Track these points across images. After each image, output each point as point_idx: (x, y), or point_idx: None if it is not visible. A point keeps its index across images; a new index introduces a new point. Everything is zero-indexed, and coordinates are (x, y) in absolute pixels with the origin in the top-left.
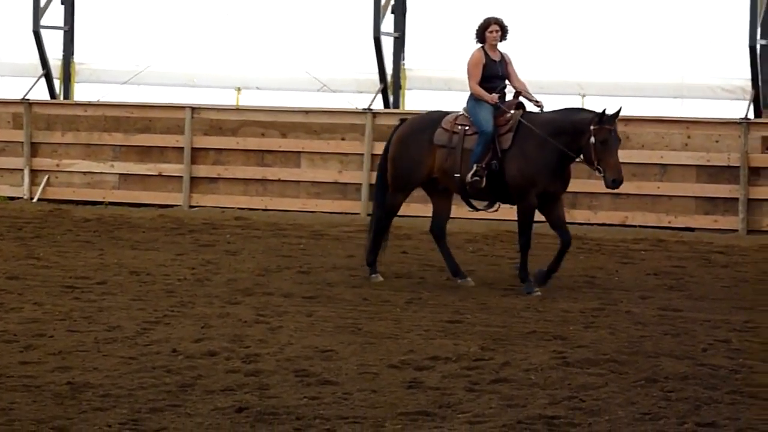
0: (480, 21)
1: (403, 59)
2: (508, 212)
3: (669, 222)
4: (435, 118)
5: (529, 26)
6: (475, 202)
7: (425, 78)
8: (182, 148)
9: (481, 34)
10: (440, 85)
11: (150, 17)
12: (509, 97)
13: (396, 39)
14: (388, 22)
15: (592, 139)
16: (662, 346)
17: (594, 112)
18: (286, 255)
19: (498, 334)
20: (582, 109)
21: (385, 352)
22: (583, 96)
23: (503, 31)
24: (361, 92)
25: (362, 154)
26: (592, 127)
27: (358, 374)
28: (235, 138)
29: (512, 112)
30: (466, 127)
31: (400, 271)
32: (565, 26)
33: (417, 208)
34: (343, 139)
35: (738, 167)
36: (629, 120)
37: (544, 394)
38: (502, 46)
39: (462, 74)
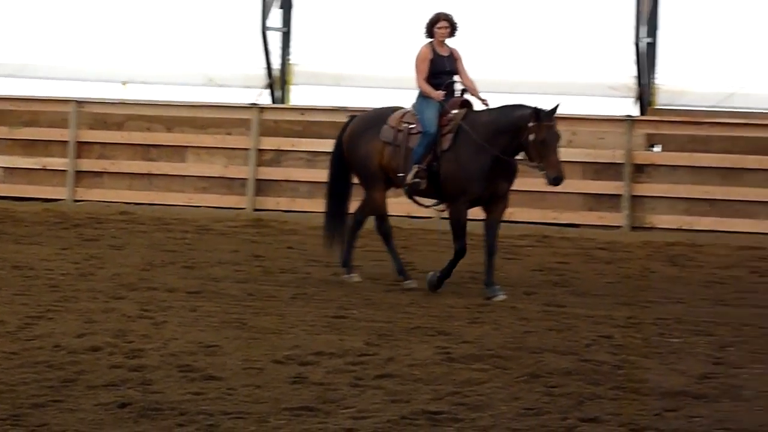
0: (429, 16)
1: (290, 54)
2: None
3: (554, 218)
4: (383, 113)
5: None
6: (421, 200)
7: (312, 73)
8: (67, 141)
9: (430, 29)
10: (327, 80)
11: (36, 11)
12: (458, 94)
13: (283, 34)
14: (275, 17)
15: (531, 137)
16: (546, 341)
17: (531, 108)
18: (171, 250)
19: (383, 330)
20: (521, 106)
21: (269, 348)
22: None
23: (452, 27)
24: (248, 87)
25: (248, 149)
26: (530, 125)
27: (242, 369)
28: (120, 132)
29: (455, 111)
30: (411, 126)
31: (285, 266)
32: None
33: (303, 203)
34: (229, 133)
35: (622, 164)
36: None
37: (428, 390)
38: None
39: (349, 70)
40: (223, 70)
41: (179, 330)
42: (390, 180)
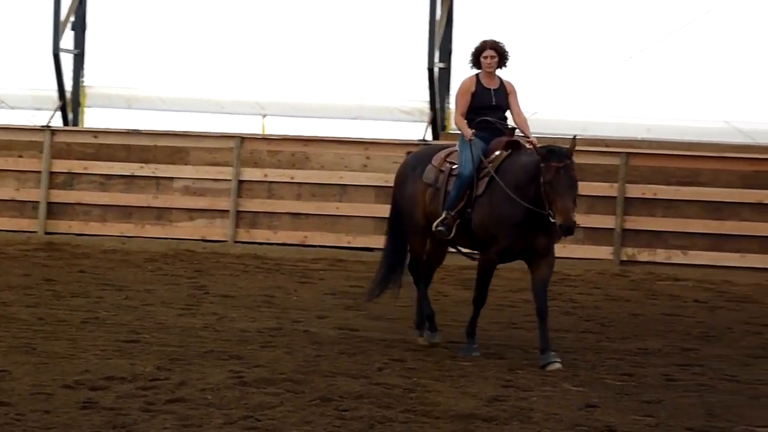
0: (475, 45)
1: (83, 76)
2: (186, 231)
3: (348, 242)
4: (429, 153)
5: (208, 44)
6: (465, 249)
7: (105, 95)
8: None
9: (476, 59)
10: (121, 103)
11: None
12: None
13: (76, 56)
14: (67, 39)
15: (542, 179)
16: (338, 365)
17: (553, 147)
18: None
19: (175, 354)
20: (550, 148)
21: (59, 372)
22: (264, 116)
23: (501, 57)
24: (40, 109)
25: (40, 172)
26: (541, 165)
27: (31, 395)
28: None
29: (497, 153)
30: (454, 166)
31: (76, 290)
32: (245, 46)
33: (95, 226)
34: (20, 156)
35: None
36: (309, 140)
37: (220, 414)
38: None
39: (142, 92)
40: (14, 91)
41: None
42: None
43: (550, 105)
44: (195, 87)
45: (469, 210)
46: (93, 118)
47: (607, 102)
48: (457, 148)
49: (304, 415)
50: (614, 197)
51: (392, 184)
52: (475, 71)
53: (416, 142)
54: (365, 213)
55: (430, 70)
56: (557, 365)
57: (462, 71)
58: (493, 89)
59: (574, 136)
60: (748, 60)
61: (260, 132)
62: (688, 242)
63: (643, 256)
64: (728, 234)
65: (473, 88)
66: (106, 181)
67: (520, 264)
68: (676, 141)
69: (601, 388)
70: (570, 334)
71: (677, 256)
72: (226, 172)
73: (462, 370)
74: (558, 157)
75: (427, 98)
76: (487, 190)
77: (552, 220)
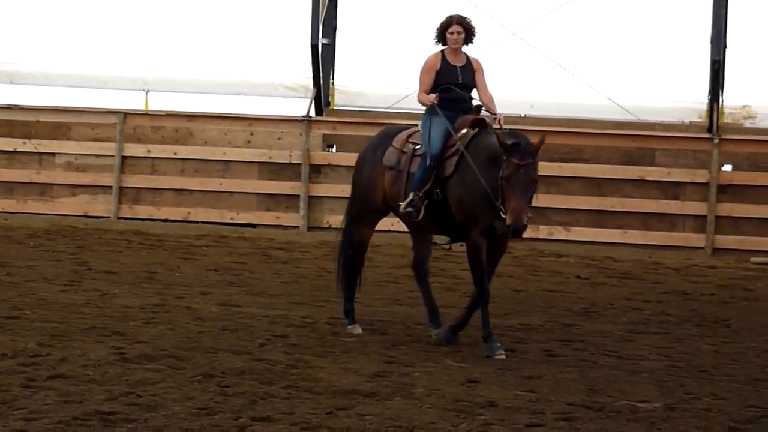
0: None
1: None
2: (68, 206)
3: (231, 218)
4: (390, 133)
5: (91, 19)
6: (436, 237)
7: None
8: None
9: (441, 34)
10: (2, 78)
11: None
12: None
13: None
14: None
15: (501, 173)
16: (221, 341)
17: (511, 137)
18: None
19: (56, 330)
20: (517, 135)
21: None
22: (147, 92)
23: (467, 33)
24: None
25: None
26: (503, 157)
27: None
28: None
29: (464, 131)
30: (417, 146)
31: None
32: (128, 21)
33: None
34: None
35: (300, 164)
36: (193, 116)
37: (102, 390)
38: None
39: (25, 66)
40: None
41: None
42: (391, 210)
43: None
44: (78, 62)
45: (437, 191)
46: None
47: (491, 79)
48: (419, 128)
49: (186, 391)
50: None
51: (276, 161)
52: (441, 47)
53: (300, 118)
54: (249, 189)
55: (314, 46)
56: (501, 355)
57: (345, 48)
58: (459, 66)
59: (544, 133)
60: (629, 38)
61: (143, 108)
62: (570, 218)
63: (526, 232)
64: (610, 210)
65: (438, 65)
66: None
67: (403, 239)
68: (559, 118)
69: (482, 364)
70: (453, 310)
71: (560, 233)
72: (108, 148)
73: (344, 346)
74: (520, 154)
75: (311, 74)
76: (458, 169)
77: (503, 216)
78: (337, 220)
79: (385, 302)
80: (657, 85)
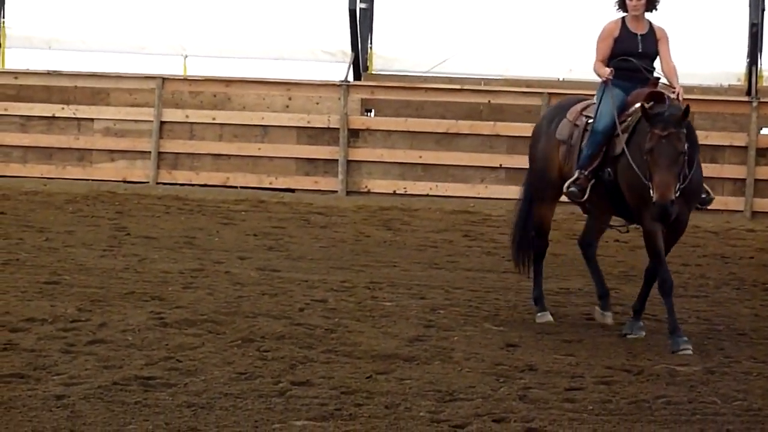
0: None
1: (3, 17)
2: (107, 172)
3: (270, 183)
4: (566, 105)
5: None
6: (614, 221)
7: (25, 37)
8: None
9: (621, 1)
10: (41, 44)
11: None
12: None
13: None
14: None
15: (645, 146)
16: (260, 306)
17: (667, 108)
18: None
19: (96, 296)
20: (672, 105)
21: None
22: (186, 57)
23: None
24: None
25: None
26: (648, 129)
27: None
28: None
29: (636, 105)
30: (590, 120)
31: None
32: None
33: (16, 168)
34: None
35: (338, 129)
36: (231, 81)
37: (141, 355)
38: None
39: (62, 34)
40: None
41: None
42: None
43: (470, 45)
44: (116, 28)
45: (608, 170)
46: (13, 59)
47: (528, 41)
48: (595, 100)
49: (226, 356)
50: None
51: (314, 125)
52: (622, 14)
53: (338, 83)
54: (287, 154)
55: (352, 11)
56: (688, 351)
57: (383, 12)
58: (641, 34)
59: (678, 96)
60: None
61: (182, 73)
62: None
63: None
64: None
65: (617, 33)
66: (26, 123)
67: (441, 203)
68: (595, 81)
69: (521, 328)
70: (491, 274)
71: None
72: (147, 113)
73: (383, 311)
74: (663, 124)
75: (349, 39)
76: (629, 149)
77: (651, 195)
78: (375, 184)
79: (423, 266)
80: (696, 48)
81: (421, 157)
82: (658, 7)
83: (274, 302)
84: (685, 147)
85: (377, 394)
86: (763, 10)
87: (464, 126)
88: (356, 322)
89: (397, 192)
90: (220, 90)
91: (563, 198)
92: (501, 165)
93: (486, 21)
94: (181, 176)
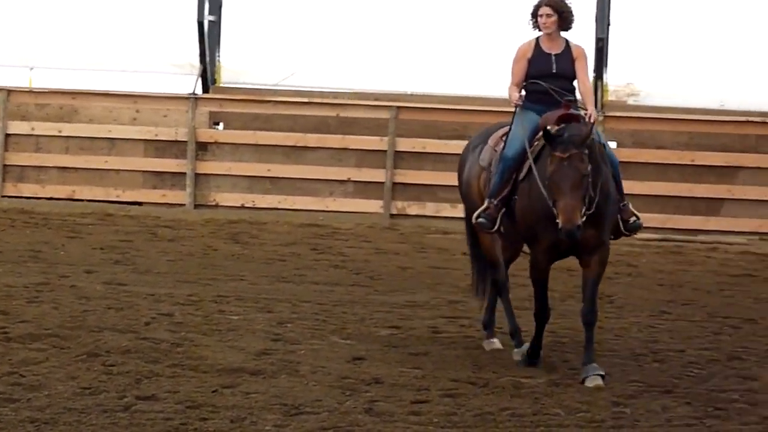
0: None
1: None
2: None
3: (117, 196)
4: (491, 130)
5: None
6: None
7: None
8: None
9: (534, 19)
10: None
11: None
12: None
13: None
14: None
15: (546, 170)
16: (105, 320)
17: (568, 129)
18: None
19: None
20: (560, 131)
21: None
22: (31, 69)
23: (561, 15)
24: None
25: None
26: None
27: None
28: None
29: (546, 128)
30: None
31: None
32: None
33: None
34: None
35: (186, 142)
36: (77, 93)
37: None
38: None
39: None
40: None
41: None
42: None
43: (319, 58)
44: None
45: (515, 197)
46: None
47: (377, 55)
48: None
49: (70, 370)
50: (384, 151)
51: (162, 138)
52: (537, 34)
53: (186, 96)
54: (134, 167)
55: (200, 23)
56: (598, 381)
57: (231, 25)
58: (555, 54)
59: (590, 118)
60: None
61: (27, 85)
62: (456, 195)
63: (413, 209)
64: None
65: (530, 54)
66: None
67: (290, 216)
68: (445, 95)
69: (369, 341)
70: (339, 288)
71: (446, 210)
72: None
73: (230, 324)
74: (563, 145)
75: (198, 51)
76: (529, 175)
77: (557, 221)
78: (223, 197)
79: (271, 280)
80: None
81: (269, 170)
82: (572, 24)
83: (120, 316)
84: (588, 169)
85: (223, 408)
86: (608, 24)
87: (313, 139)
88: (203, 336)
89: (246, 205)
90: (67, 102)
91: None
92: (349, 178)
93: (334, 35)
94: (27, 189)
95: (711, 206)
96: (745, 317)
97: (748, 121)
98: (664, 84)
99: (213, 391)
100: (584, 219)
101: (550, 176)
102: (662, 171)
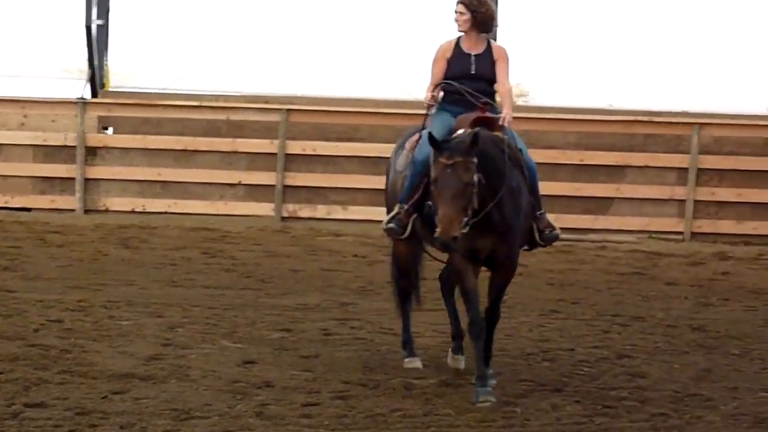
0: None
1: None
2: None
3: (6, 202)
4: (410, 133)
5: None
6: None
7: None
8: None
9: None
10: None
11: None
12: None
13: None
14: None
15: (431, 176)
16: None
17: (459, 136)
18: None
19: None
20: (448, 138)
21: None
22: None
23: (473, 14)
24: None
25: None
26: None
27: None
28: None
29: (459, 132)
30: None
31: None
32: None
33: None
34: None
35: (75, 147)
36: None
37: None
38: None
39: None
40: None
41: None
42: None
43: (208, 61)
44: None
45: (429, 203)
46: None
47: (265, 58)
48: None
49: None
50: (275, 154)
51: (51, 143)
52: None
53: (74, 100)
54: (23, 173)
55: (88, 27)
56: (490, 400)
57: (119, 29)
58: (475, 54)
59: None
60: (404, 13)
61: None
62: (347, 198)
63: (304, 212)
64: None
65: (449, 53)
66: None
67: (180, 220)
68: (335, 97)
69: (260, 344)
70: (230, 291)
71: (337, 212)
72: None
73: (120, 330)
74: (448, 152)
75: (86, 55)
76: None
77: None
78: (114, 202)
79: (161, 284)
80: None
81: (159, 174)
82: (492, 28)
83: (9, 323)
84: (474, 178)
85: (113, 414)
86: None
87: (203, 143)
88: (92, 341)
89: (136, 210)
90: None
91: None
92: (240, 182)
93: (223, 38)
94: None
95: (600, 205)
96: (633, 315)
97: (635, 121)
98: (552, 85)
99: (103, 398)
100: (466, 229)
101: (433, 183)
102: (552, 171)
